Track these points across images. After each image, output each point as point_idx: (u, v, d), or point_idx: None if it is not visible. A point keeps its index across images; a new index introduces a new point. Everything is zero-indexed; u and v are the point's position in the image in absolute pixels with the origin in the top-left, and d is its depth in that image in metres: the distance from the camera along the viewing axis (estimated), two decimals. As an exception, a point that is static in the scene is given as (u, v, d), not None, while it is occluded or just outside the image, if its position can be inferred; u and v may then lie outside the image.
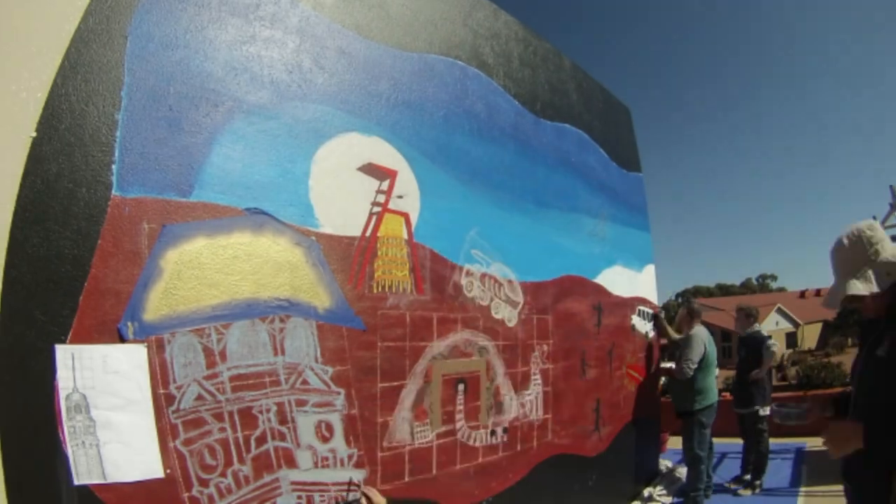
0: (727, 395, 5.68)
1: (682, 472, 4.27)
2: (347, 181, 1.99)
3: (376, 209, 2.08)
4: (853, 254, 1.48)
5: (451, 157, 2.46)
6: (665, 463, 4.75)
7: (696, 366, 3.85)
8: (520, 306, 2.74)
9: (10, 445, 1.19)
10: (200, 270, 1.55)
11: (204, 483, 1.49)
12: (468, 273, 2.45)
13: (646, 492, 4.09)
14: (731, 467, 4.87)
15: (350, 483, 1.82)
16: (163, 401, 1.44)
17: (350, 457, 1.87)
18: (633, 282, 4.19)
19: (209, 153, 1.61)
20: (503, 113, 2.84)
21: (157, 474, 1.40)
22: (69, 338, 1.29)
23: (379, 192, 2.10)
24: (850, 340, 32.80)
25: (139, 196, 1.45)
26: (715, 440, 4.26)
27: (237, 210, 1.66)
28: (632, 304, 4.12)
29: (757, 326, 4.61)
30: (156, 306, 1.45)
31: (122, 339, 1.38)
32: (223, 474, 1.53)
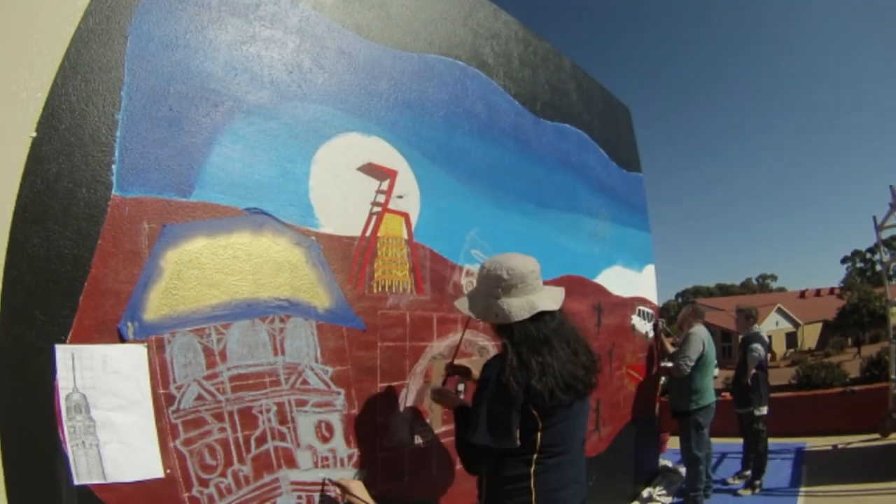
0: (727, 395, 5.69)
1: (683, 471, 4.28)
2: (347, 181, 1.99)
3: (376, 209, 2.08)
4: (482, 280, 1.67)
5: (452, 157, 2.46)
6: (665, 463, 4.76)
7: (693, 363, 3.84)
8: (520, 306, 2.73)
9: (10, 445, 1.19)
10: (200, 270, 1.55)
11: (204, 483, 1.49)
12: (468, 273, 2.45)
13: (645, 492, 4.09)
14: (732, 467, 4.88)
15: (324, 483, 1.77)
16: (163, 401, 1.44)
17: (350, 457, 1.87)
18: (633, 282, 4.19)
19: (209, 153, 1.61)
20: (503, 113, 2.84)
21: (157, 474, 1.40)
22: (69, 338, 1.29)
23: (379, 192, 2.10)
24: (849, 340, 32.82)
25: (139, 196, 1.45)
26: (715, 440, 4.27)
27: (237, 210, 1.66)
28: (632, 304, 4.12)
29: (756, 328, 4.61)
30: (156, 306, 1.45)
31: (122, 339, 1.38)
32: (223, 474, 1.53)
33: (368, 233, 2.04)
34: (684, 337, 4.01)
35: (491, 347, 2.54)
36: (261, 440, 1.63)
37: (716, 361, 4.10)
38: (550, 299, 1.64)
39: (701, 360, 3.88)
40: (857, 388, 7.20)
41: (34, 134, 1.28)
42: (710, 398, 3.93)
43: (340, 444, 1.85)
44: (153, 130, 1.49)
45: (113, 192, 1.40)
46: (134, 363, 1.39)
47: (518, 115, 2.96)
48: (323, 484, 1.78)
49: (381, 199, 2.11)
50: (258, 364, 1.65)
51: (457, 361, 2.08)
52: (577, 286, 3.34)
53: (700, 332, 3.96)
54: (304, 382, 1.76)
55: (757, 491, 4.32)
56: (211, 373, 1.55)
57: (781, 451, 5.40)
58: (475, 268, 2.49)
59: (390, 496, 1.98)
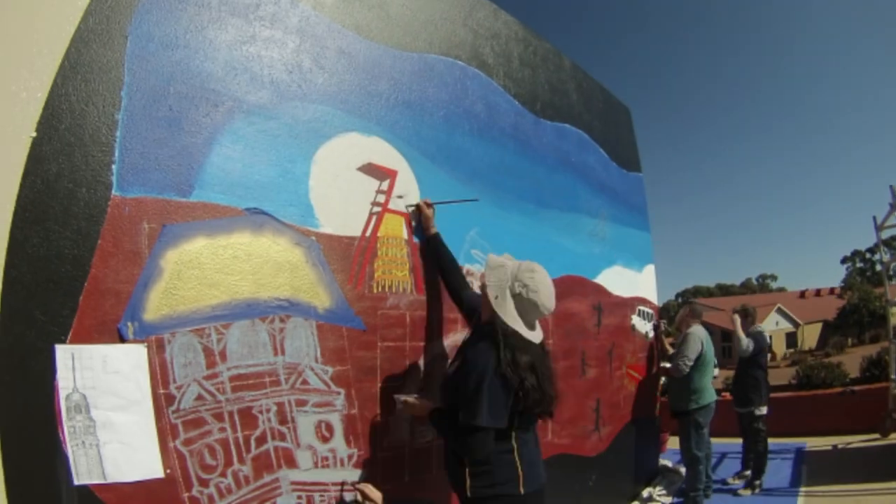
0: (727, 395, 5.69)
1: (683, 471, 4.27)
2: (347, 181, 1.99)
3: (376, 209, 2.08)
4: (515, 279, 1.74)
5: (451, 157, 2.46)
6: (665, 463, 4.76)
7: (692, 363, 3.83)
8: (520, 306, 2.74)
9: (10, 445, 1.19)
10: (200, 270, 1.55)
11: (204, 483, 1.49)
12: (468, 273, 2.45)
13: (645, 492, 4.08)
14: (732, 467, 4.87)
15: (344, 484, 1.83)
16: (163, 401, 1.44)
17: (350, 457, 1.87)
18: (633, 282, 4.19)
19: (209, 153, 1.61)
20: (503, 113, 2.84)
21: (157, 474, 1.40)
22: (69, 338, 1.29)
23: (379, 192, 2.10)
24: (849, 340, 32.83)
25: (139, 196, 1.45)
26: (715, 440, 4.26)
27: (237, 210, 1.66)
28: (632, 304, 4.12)
29: (759, 327, 4.60)
30: (156, 306, 1.45)
31: (122, 339, 1.38)
32: (223, 474, 1.53)
33: (368, 233, 2.04)
34: (682, 337, 4.01)
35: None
36: (261, 440, 1.63)
37: (715, 361, 4.09)
38: (535, 334, 1.76)
39: (700, 359, 3.87)
40: (857, 388, 7.20)
41: (34, 134, 1.28)
42: (710, 398, 3.92)
43: (340, 444, 1.85)
44: (153, 130, 1.49)
45: (113, 192, 1.40)
46: (134, 363, 1.39)
47: (518, 115, 2.95)
48: (343, 484, 1.82)
49: (381, 199, 2.11)
50: (258, 364, 1.65)
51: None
52: (577, 286, 3.34)
53: (698, 332, 3.95)
54: (305, 382, 1.76)
55: (757, 491, 4.32)
56: (211, 373, 1.55)
57: (781, 451, 5.39)
58: (475, 267, 2.49)
59: (390, 496, 1.98)
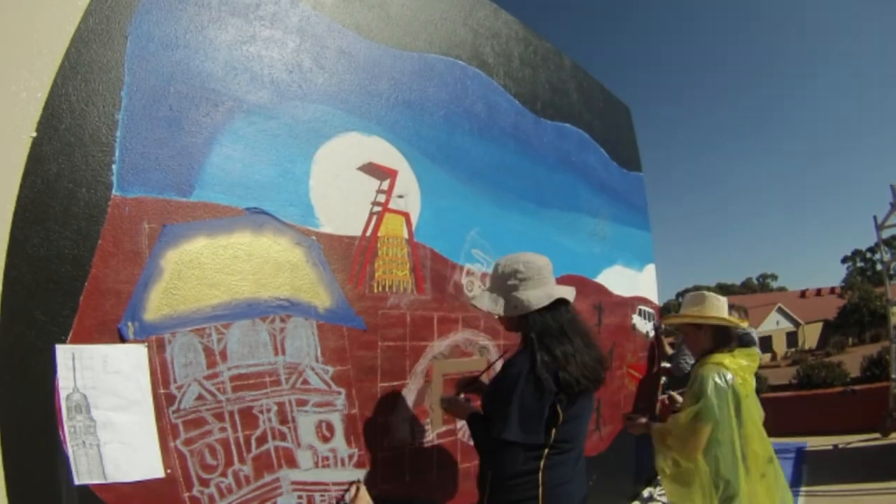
0: None
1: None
2: (348, 181, 1.99)
3: (377, 209, 2.08)
4: (497, 277, 1.70)
5: (452, 156, 2.46)
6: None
7: (693, 360, 3.84)
8: (520, 306, 2.73)
9: (10, 445, 1.19)
10: (201, 270, 1.55)
11: (204, 483, 1.49)
12: (469, 273, 2.45)
13: (646, 492, 4.08)
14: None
15: (351, 484, 1.82)
16: (163, 401, 1.44)
17: (351, 456, 1.87)
18: (634, 281, 4.18)
19: (209, 153, 1.61)
20: (503, 112, 2.84)
21: (158, 474, 1.40)
22: (69, 338, 1.29)
23: (379, 191, 2.10)
24: (850, 340, 32.82)
25: (139, 196, 1.45)
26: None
27: (237, 210, 1.65)
28: (632, 303, 4.11)
29: (748, 328, 4.59)
30: (156, 306, 1.45)
31: (122, 339, 1.38)
32: (224, 474, 1.53)
33: (369, 232, 2.04)
34: (683, 336, 4.00)
35: (491, 347, 2.54)
36: (261, 440, 1.63)
37: None
38: (565, 290, 1.69)
39: None
40: (857, 387, 7.19)
41: (34, 134, 1.28)
42: None
43: (341, 444, 1.85)
44: (153, 130, 1.49)
45: (113, 192, 1.40)
46: (134, 363, 1.39)
47: (518, 114, 2.95)
48: (352, 483, 1.81)
49: (382, 198, 2.11)
50: (259, 364, 1.65)
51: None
52: (577, 286, 3.30)
53: None
54: (305, 382, 1.76)
55: None
56: (211, 372, 1.55)
57: (781, 451, 5.38)
58: (476, 267, 2.49)
59: (390, 496, 1.98)
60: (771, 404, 4.55)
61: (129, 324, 1.39)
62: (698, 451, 1.85)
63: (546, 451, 1.57)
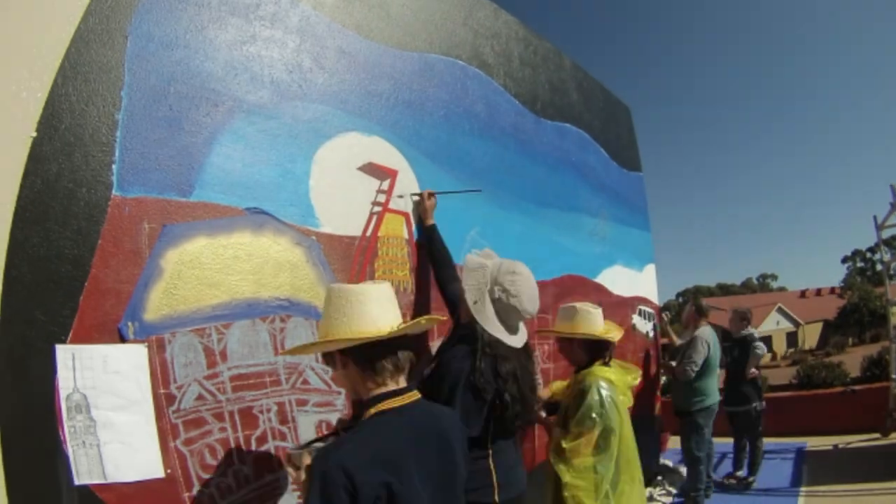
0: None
1: (684, 471, 4.27)
2: (348, 181, 1.99)
3: (377, 209, 2.08)
4: (491, 281, 1.68)
5: (452, 156, 2.46)
6: (665, 463, 4.75)
7: (698, 368, 3.83)
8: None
9: (10, 445, 1.19)
10: (201, 270, 1.55)
11: (205, 483, 1.49)
12: (469, 273, 2.45)
13: (646, 492, 4.08)
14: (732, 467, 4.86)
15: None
16: (163, 401, 1.44)
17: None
18: (634, 281, 4.18)
19: (209, 153, 1.61)
20: (503, 112, 2.84)
21: (158, 474, 1.40)
22: (69, 338, 1.29)
23: (379, 191, 2.10)
24: (850, 340, 32.82)
25: (139, 196, 1.45)
26: (715, 440, 4.26)
27: (237, 210, 1.65)
28: (632, 303, 4.12)
29: (751, 329, 4.60)
30: (156, 306, 1.45)
31: (122, 339, 1.38)
32: (224, 474, 1.53)
33: (369, 232, 2.04)
34: (689, 340, 3.99)
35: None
36: (261, 440, 1.63)
37: (717, 363, 4.05)
38: (518, 338, 1.69)
39: (706, 363, 3.85)
40: (857, 387, 7.19)
41: (34, 134, 1.28)
42: (713, 400, 3.91)
43: (341, 444, 1.84)
44: (153, 130, 1.49)
45: (113, 192, 1.40)
46: (134, 363, 1.39)
47: (518, 114, 2.95)
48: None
49: (382, 198, 2.11)
50: (259, 364, 1.65)
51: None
52: (577, 286, 3.34)
53: (704, 335, 3.92)
54: (305, 382, 1.76)
55: (754, 486, 4.34)
56: (211, 372, 1.55)
57: (782, 451, 5.39)
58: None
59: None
60: (771, 404, 4.57)
61: (129, 324, 1.39)
62: (588, 456, 1.92)
63: (490, 439, 1.64)
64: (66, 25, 1.36)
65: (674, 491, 4.18)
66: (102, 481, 1.30)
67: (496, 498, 1.61)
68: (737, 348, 4.53)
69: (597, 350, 2.12)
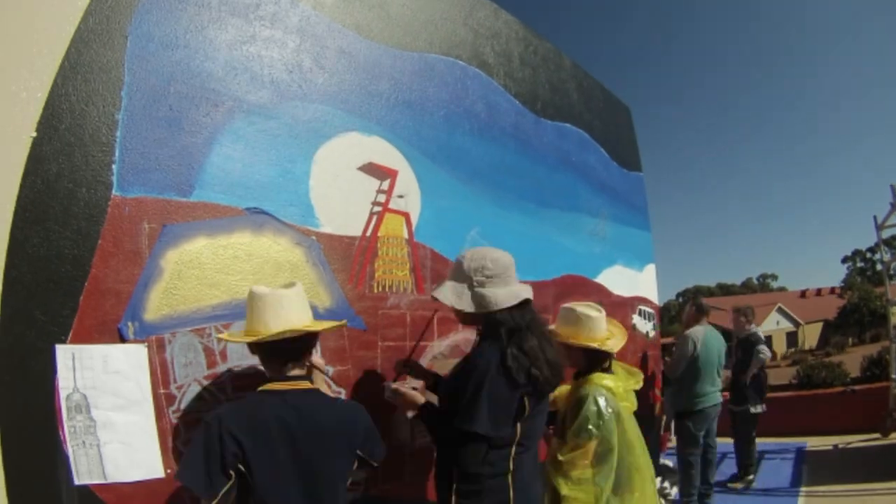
0: (725, 394, 5.68)
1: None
2: (348, 181, 1.99)
3: (377, 209, 2.08)
4: (462, 271, 1.66)
5: (452, 156, 2.46)
6: (665, 462, 4.75)
7: (679, 367, 3.79)
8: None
9: (10, 445, 1.19)
10: (201, 270, 1.55)
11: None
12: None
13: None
14: (733, 467, 4.87)
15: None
16: (163, 401, 1.44)
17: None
18: (634, 281, 4.18)
19: (209, 153, 1.61)
20: (504, 112, 2.84)
21: (158, 474, 1.40)
22: (69, 338, 1.29)
23: (379, 191, 2.10)
24: (850, 340, 32.81)
25: (139, 196, 1.45)
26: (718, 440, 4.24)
27: (237, 210, 1.66)
28: (632, 303, 4.11)
29: (754, 328, 4.58)
30: (156, 306, 1.45)
31: (122, 339, 1.38)
32: (224, 474, 1.53)
33: (369, 232, 2.04)
34: (680, 339, 3.96)
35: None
36: (261, 440, 1.63)
37: (721, 362, 3.91)
38: (527, 290, 1.68)
39: (696, 363, 3.74)
40: (857, 387, 7.19)
41: (34, 134, 1.28)
42: (706, 403, 3.72)
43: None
44: (153, 130, 1.49)
45: (113, 192, 1.40)
46: (134, 363, 1.39)
47: (518, 114, 2.95)
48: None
49: (382, 198, 2.11)
50: (259, 364, 1.65)
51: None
52: (577, 286, 3.34)
53: (694, 334, 3.83)
54: (305, 382, 1.75)
55: (754, 484, 4.34)
56: (211, 372, 1.55)
57: (782, 451, 5.40)
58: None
59: (390, 496, 1.98)
60: (771, 404, 4.56)
61: (129, 324, 1.39)
62: (586, 467, 1.88)
63: (514, 449, 1.55)
64: (66, 25, 1.36)
65: (675, 490, 4.17)
66: (102, 481, 1.30)
67: None
68: (740, 349, 4.52)
69: (595, 359, 2.07)
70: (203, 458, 1.20)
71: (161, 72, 1.52)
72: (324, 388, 1.56)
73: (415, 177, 2.25)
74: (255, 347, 1.41)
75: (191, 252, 1.53)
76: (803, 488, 4.33)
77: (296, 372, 1.42)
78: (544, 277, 2.98)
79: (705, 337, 3.84)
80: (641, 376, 2.25)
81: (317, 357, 1.66)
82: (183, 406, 1.48)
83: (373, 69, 2.14)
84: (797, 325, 38.41)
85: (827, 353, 28.10)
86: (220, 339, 1.57)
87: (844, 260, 60.72)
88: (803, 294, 46.09)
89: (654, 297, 4.54)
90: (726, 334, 4.42)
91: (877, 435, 5.71)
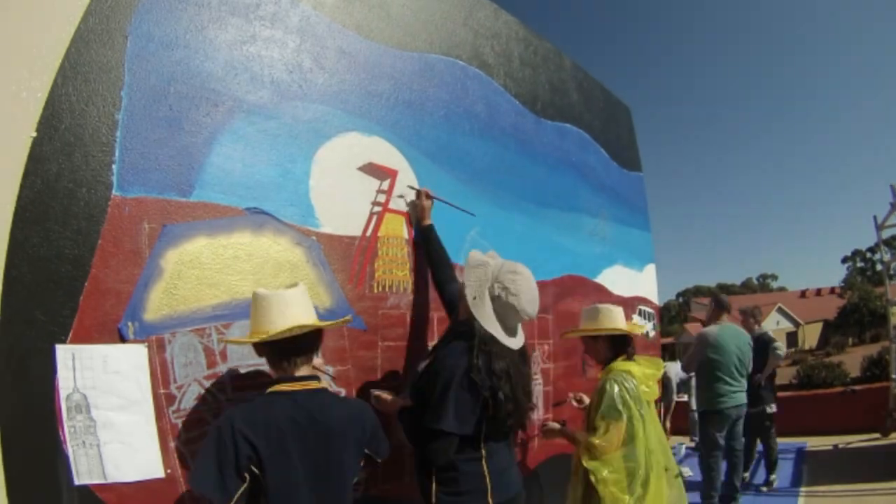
0: None
1: (684, 470, 4.27)
2: (348, 181, 1.99)
3: (377, 209, 2.08)
4: (491, 279, 1.67)
5: (452, 156, 2.46)
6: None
7: (692, 366, 3.80)
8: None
9: (10, 445, 1.19)
10: (201, 270, 1.55)
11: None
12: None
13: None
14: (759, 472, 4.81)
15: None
16: (163, 401, 1.44)
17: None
18: (634, 281, 4.18)
19: (209, 153, 1.61)
20: (504, 113, 2.83)
21: (158, 474, 1.40)
22: (69, 338, 1.29)
23: (379, 191, 2.10)
24: (850, 340, 32.81)
25: (139, 196, 1.45)
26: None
27: (237, 210, 1.65)
28: (632, 303, 4.11)
29: (763, 328, 4.58)
30: (156, 306, 1.45)
31: (122, 339, 1.38)
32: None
33: (369, 232, 2.04)
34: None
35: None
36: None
37: (744, 361, 3.78)
38: (515, 340, 1.69)
39: (712, 363, 3.66)
40: (857, 387, 7.20)
41: (34, 134, 1.28)
42: (726, 404, 3.60)
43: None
44: (153, 130, 1.49)
45: (113, 192, 1.40)
46: (134, 363, 1.39)
47: (519, 114, 2.95)
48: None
49: (382, 198, 2.11)
50: (259, 364, 1.65)
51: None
52: (577, 286, 3.33)
53: (707, 335, 3.78)
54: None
55: (774, 485, 4.33)
56: (212, 372, 1.55)
57: (782, 451, 5.38)
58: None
59: (390, 496, 1.98)
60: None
61: (129, 324, 1.39)
62: (618, 448, 1.97)
63: (483, 440, 1.63)
64: (66, 25, 1.36)
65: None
66: (102, 481, 1.30)
67: (490, 500, 1.60)
68: (752, 350, 4.50)
69: (620, 346, 2.19)
70: (216, 461, 1.19)
71: (161, 72, 1.52)
72: None
73: (415, 177, 2.25)
74: (261, 348, 1.40)
75: (191, 252, 1.53)
76: (803, 488, 4.33)
77: (304, 371, 1.42)
78: (544, 278, 2.98)
79: (718, 336, 3.75)
80: (663, 366, 2.34)
81: (317, 359, 1.66)
82: (183, 406, 1.48)
83: (373, 69, 2.14)
84: (797, 325, 38.40)
85: (827, 353, 28.11)
86: (226, 342, 1.56)
87: (844, 260, 60.75)
88: (803, 294, 46.08)
89: (654, 297, 4.54)
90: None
91: (877, 435, 5.71)
